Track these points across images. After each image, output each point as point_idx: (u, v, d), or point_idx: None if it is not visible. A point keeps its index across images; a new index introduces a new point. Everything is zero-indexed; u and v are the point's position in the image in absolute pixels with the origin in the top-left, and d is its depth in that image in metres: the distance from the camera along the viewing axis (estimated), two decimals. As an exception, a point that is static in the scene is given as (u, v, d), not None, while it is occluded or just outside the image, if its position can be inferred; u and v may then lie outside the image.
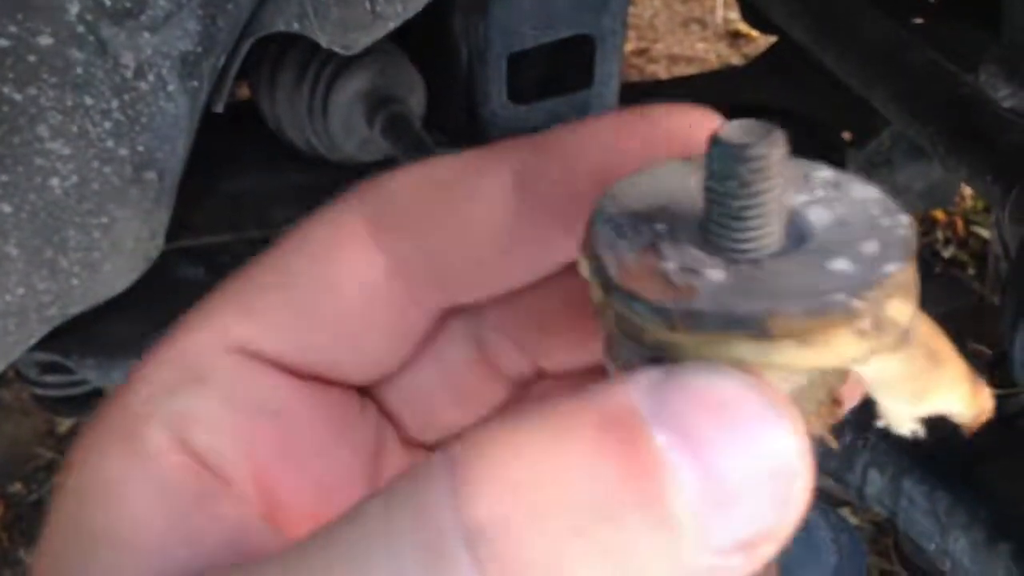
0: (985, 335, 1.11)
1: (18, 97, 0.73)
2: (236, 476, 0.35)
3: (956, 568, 1.02)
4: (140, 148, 0.78)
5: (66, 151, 0.78)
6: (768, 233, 0.28)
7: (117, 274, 0.83)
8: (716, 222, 0.29)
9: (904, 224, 0.29)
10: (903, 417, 0.30)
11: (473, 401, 0.40)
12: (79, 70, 0.73)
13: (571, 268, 0.36)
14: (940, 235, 1.90)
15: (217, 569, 0.31)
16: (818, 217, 0.29)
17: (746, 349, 0.27)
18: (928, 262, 1.51)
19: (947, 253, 1.86)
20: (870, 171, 1.32)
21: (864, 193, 0.30)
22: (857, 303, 0.27)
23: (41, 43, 0.72)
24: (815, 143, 1.23)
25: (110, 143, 0.77)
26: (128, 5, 0.73)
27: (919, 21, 1.22)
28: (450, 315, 0.39)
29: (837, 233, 0.29)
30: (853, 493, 1.02)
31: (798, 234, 0.29)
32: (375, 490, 0.27)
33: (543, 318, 0.39)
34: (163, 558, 0.32)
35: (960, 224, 1.89)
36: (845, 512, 1.30)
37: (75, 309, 0.82)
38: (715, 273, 0.28)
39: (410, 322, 0.38)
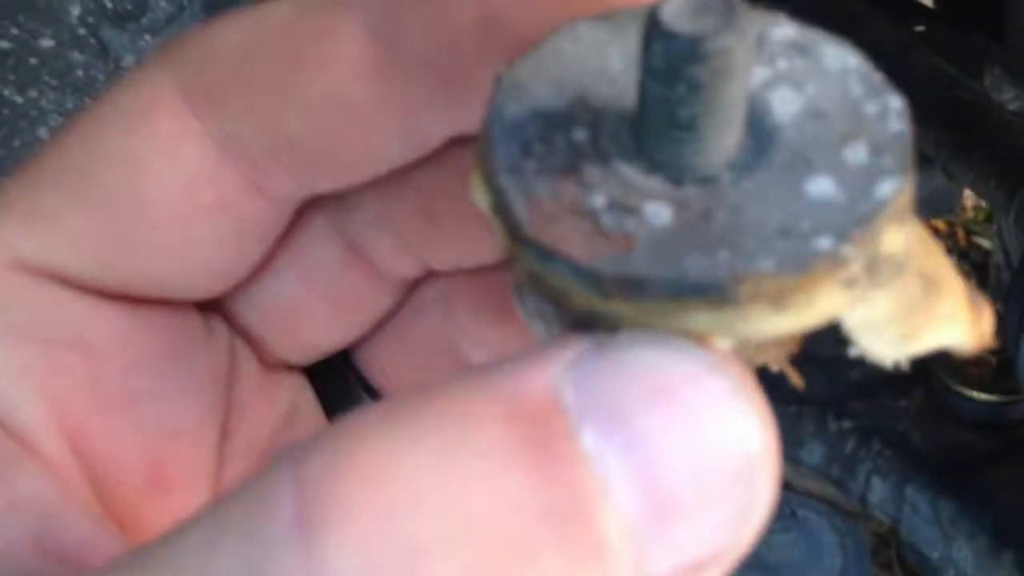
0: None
1: (19, 99, 0.73)
2: (39, 433, 0.28)
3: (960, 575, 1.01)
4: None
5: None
6: (723, 142, 0.22)
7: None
8: (656, 130, 0.22)
9: (895, 110, 0.23)
10: (889, 358, 0.24)
11: (349, 311, 0.34)
12: (80, 72, 0.73)
13: (458, 144, 0.29)
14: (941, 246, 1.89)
15: None
16: (784, 105, 0.23)
17: (702, 318, 0.21)
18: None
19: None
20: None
21: (840, 60, 0.23)
22: (846, 249, 0.21)
23: (42, 45, 0.72)
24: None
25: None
26: (129, 8, 0.72)
27: (920, 28, 1.22)
28: (311, 207, 0.32)
29: (811, 130, 0.22)
30: (856, 501, 1.01)
31: (761, 132, 0.23)
32: (201, 507, 0.20)
33: (427, 207, 0.31)
34: None
35: (961, 235, 1.89)
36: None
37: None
38: (658, 210, 0.21)
39: (254, 217, 0.30)
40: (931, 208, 1.44)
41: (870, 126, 0.22)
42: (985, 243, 1.85)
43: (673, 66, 0.21)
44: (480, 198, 0.23)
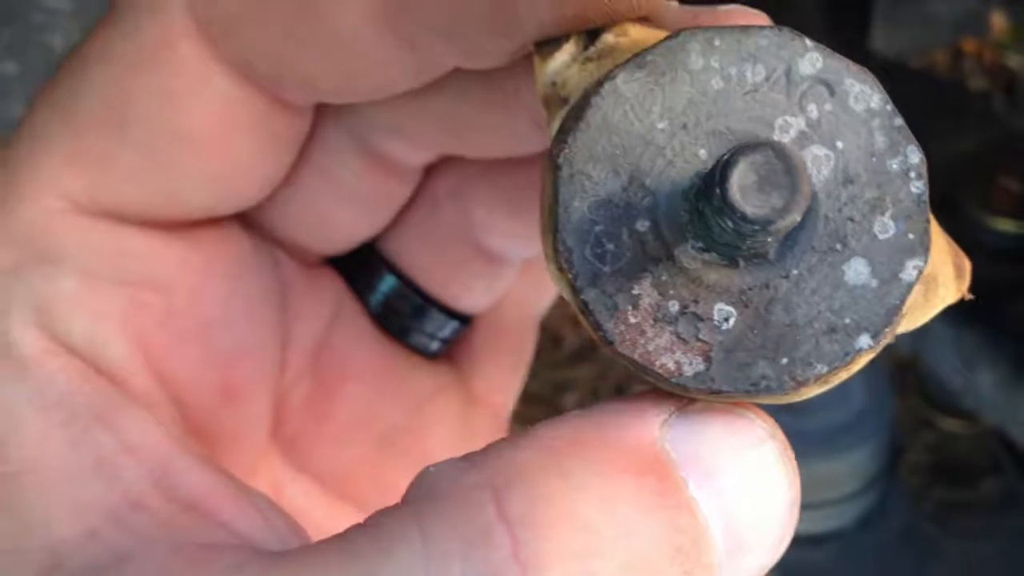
0: (1013, 168, 1.09)
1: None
2: (130, 372, 0.30)
3: (981, 404, 1.02)
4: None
5: (67, 7, 0.76)
6: (783, 233, 0.24)
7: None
8: (712, 228, 0.24)
9: (915, 167, 0.25)
10: None
11: (372, 202, 0.36)
12: None
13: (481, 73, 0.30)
14: (968, 66, 1.86)
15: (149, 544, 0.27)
16: (819, 167, 0.25)
17: (768, 400, 0.26)
18: (957, 93, 1.47)
19: (976, 85, 1.82)
20: (898, 2, 1.28)
21: (863, 99, 0.25)
22: (882, 340, 0.25)
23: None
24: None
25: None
26: None
27: None
28: (326, 116, 0.33)
29: (845, 197, 0.25)
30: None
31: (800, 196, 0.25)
32: (379, 517, 0.24)
33: (442, 117, 0.33)
34: (74, 488, 0.27)
35: (989, 54, 1.84)
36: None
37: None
38: (724, 313, 0.25)
39: (282, 126, 0.31)
40: (960, 28, 1.40)
41: (895, 190, 0.25)
42: (1012, 63, 1.81)
43: (742, 235, 0.23)
44: (568, 300, 0.26)
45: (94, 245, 0.29)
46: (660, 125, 0.25)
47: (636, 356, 0.25)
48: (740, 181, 0.23)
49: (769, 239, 0.24)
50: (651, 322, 0.25)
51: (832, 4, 1.24)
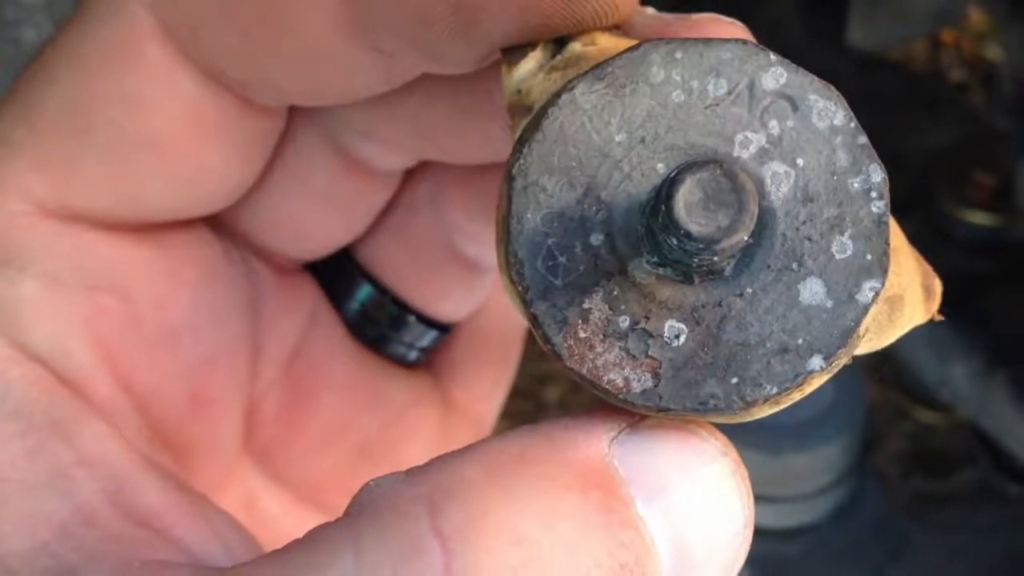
0: (988, 162, 1.09)
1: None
2: (93, 381, 0.29)
3: (955, 396, 1.03)
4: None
5: (38, 1, 0.75)
6: (729, 252, 0.24)
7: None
8: (664, 246, 0.24)
9: (876, 186, 0.24)
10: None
11: (347, 210, 0.35)
12: None
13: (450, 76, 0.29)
14: (946, 58, 1.86)
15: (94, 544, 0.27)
16: (778, 185, 0.25)
17: (718, 419, 0.25)
18: (935, 86, 1.48)
19: (954, 76, 1.82)
20: (876, -6, 1.28)
21: (826, 116, 0.25)
22: (836, 362, 0.24)
23: None
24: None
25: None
26: None
27: None
28: (299, 119, 0.33)
29: (803, 216, 0.24)
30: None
31: (758, 213, 0.24)
32: (320, 531, 0.24)
33: (415, 118, 0.32)
34: (26, 502, 0.27)
35: (968, 45, 1.85)
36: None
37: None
38: (675, 330, 0.24)
39: (252, 128, 0.31)
40: (938, 20, 1.40)
41: (855, 209, 0.25)
42: (989, 55, 1.81)
43: (688, 252, 0.23)
44: (519, 312, 0.25)
45: (58, 249, 0.29)
46: (618, 138, 0.25)
47: (584, 371, 0.24)
48: (686, 198, 0.22)
49: (716, 258, 0.23)
50: (601, 337, 0.25)
51: (809, -4, 1.24)
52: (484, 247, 0.36)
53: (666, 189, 0.23)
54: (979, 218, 1.06)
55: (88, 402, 0.29)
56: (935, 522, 1.01)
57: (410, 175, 0.36)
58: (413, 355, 0.39)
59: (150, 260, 0.31)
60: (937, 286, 0.28)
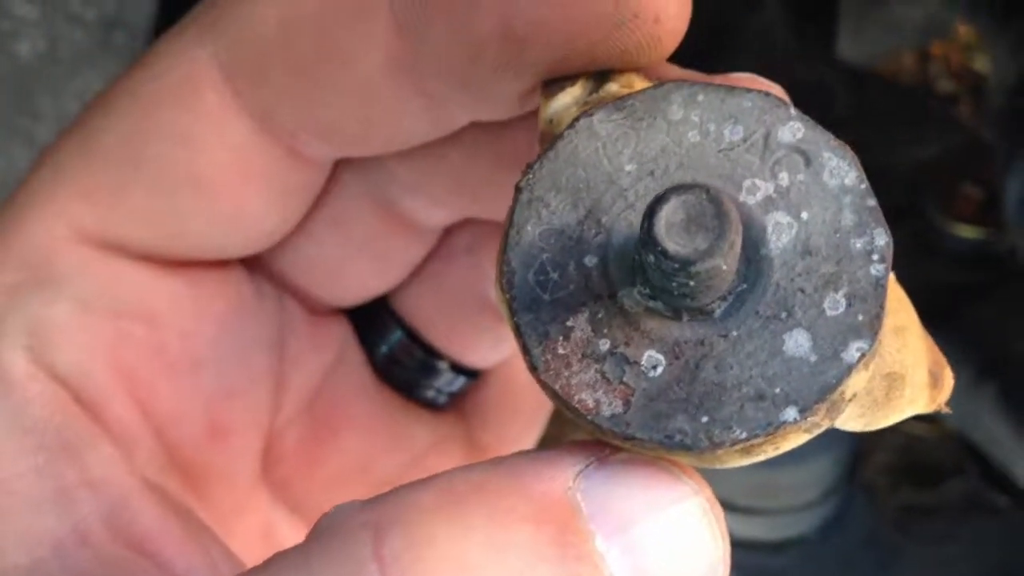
0: (975, 174, 1.10)
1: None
2: (109, 403, 0.30)
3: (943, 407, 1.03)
4: (108, 9, 0.76)
5: (33, 15, 0.75)
6: (716, 288, 0.24)
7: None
8: (653, 279, 0.24)
9: (879, 249, 0.24)
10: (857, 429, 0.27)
11: (385, 261, 0.36)
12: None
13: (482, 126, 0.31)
14: (935, 69, 1.87)
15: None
16: (779, 234, 0.25)
17: (686, 458, 0.25)
18: (923, 99, 1.48)
19: (943, 88, 1.83)
20: (865, 6, 1.29)
21: (838, 175, 0.25)
22: (809, 418, 0.24)
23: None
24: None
25: (77, 5, 0.75)
26: None
27: None
28: (345, 167, 0.33)
29: (800, 268, 0.24)
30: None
31: (755, 258, 0.25)
32: (279, 558, 0.24)
33: (456, 172, 0.33)
34: (30, 518, 0.28)
35: (956, 58, 1.85)
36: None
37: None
38: (653, 360, 0.24)
39: (295, 179, 0.32)
40: (926, 33, 1.41)
41: (853, 269, 0.24)
42: (978, 67, 1.82)
43: (666, 273, 0.23)
44: (500, 306, 0.26)
45: (92, 275, 0.30)
46: (628, 167, 0.25)
47: (557, 387, 0.25)
48: (668, 217, 0.23)
49: (692, 282, 0.23)
50: (579, 356, 0.25)
51: (798, 9, 1.24)
52: None
53: (650, 207, 0.23)
54: (967, 230, 1.06)
55: (101, 424, 0.30)
56: (924, 534, 1.02)
57: (449, 227, 0.37)
58: (441, 399, 0.39)
59: (179, 291, 0.32)
60: (948, 377, 0.27)
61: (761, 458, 0.25)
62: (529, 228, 0.25)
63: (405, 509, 0.24)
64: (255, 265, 0.34)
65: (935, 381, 0.27)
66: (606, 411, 0.24)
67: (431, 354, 0.38)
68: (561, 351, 0.25)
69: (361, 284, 0.36)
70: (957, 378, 0.91)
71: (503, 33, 0.27)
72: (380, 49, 0.28)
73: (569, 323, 0.25)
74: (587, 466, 0.25)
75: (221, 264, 0.33)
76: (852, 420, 0.26)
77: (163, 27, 0.86)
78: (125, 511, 0.29)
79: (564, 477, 0.25)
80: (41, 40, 0.76)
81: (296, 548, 0.24)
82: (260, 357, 0.34)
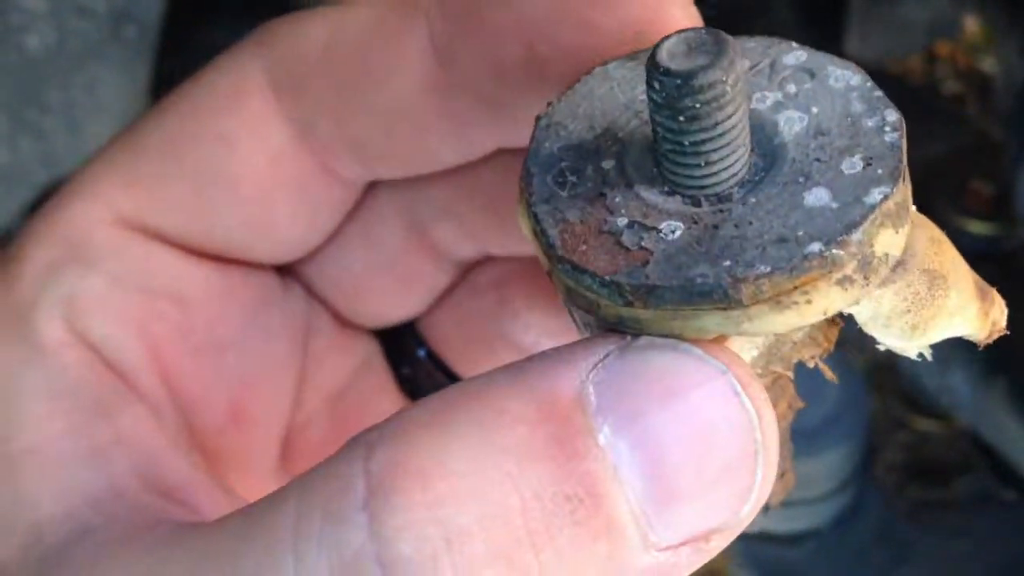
0: (985, 171, 1.10)
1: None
2: (139, 373, 0.31)
3: (954, 403, 1.03)
4: (117, 2, 0.76)
5: (42, 8, 0.75)
6: (730, 165, 0.24)
7: (101, 134, 0.81)
8: (669, 158, 0.24)
9: (891, 123, 0.25)
10: (905, 349, 0.26)
11: (411, 284, 0.37)
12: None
13: (510, 152, 0.32)
14: (942, 70, 1.87)
15: (118, 539, 0.28)
16: (791, 125, 0.25)
17: (713, 320, 0.23)
18: (931, 98, 1.48)
19: (949, 88, 1.83)
20: (872, 8, 1.29)
21: (843, 79, 0.25)
22: (837, 252, 0.23)
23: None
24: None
25: (87, -2, 0.75)
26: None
27: None
28: (379, 189, 0.35)
29: (814, 146, 0.25)
30: (854, 331, 1.02)
31: (769, 151, 0.25)
32: (292, 480, 0.25)
33: (489, 200, 0.34)
34: (65, 473, 0.29)
35: (962, 58, 1.85)
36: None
37: (62, 172, 0.81)
38: (672, 226, 0.24)
39: (325, 195, 0.33)
40: (934, 32, 1.41)
41: (867, 139, 0.24)
42: (987, 66, 1.82)
43: (670, 99, 0.23)
44: (523, 224, 0.26)
45: (127, 255, 0.32)
46: (642, 97, 0.26)
47: (574, 258, 0.24)
48: (670, 49, 0.23)
49: (698, 105, 0.23)
50: (596, 232, 0.25)
51: (806, 10, 1.25)
52: (542, 336, 0.38)
53: (655, 45, 0.23)
54: (977, 227, 1.06)
55: (132, 389, 0.31)
56: (935, 529, 1.02)
57: (472, 264, 0.38)
58: None
59: (209, 279, 0.34)
60: (996, 297, 0.27)
61: (795, 318, 0.23)
62: (548, 144, 0.26)
63: (400, 424, 0.24)
64: (286, 274, 0.36)
65: (983, 294, 0.27)
66: (624, 268, 0.24)
67: (452, 379, 0.39)
68: (578, 230, 0.25)
69: (385, 304, 0.37)
70: (968, 372, 0.90)
71: (527, 55, 0.29)
72: (415, 71, 0.30)
73: (588, 209, 0.25)
74: (605, 356, 0.24)
75: (251, 263, 0.34)
76: (898, 317, 0.25)
77: (172, 20, 0.86)
78: (156, 466, 0.30)
79: (576, 371, 0.24)
80: (50, 33, 0.76)
81: (305, 472, 0.25)
82: (284, 348, 0.35)
